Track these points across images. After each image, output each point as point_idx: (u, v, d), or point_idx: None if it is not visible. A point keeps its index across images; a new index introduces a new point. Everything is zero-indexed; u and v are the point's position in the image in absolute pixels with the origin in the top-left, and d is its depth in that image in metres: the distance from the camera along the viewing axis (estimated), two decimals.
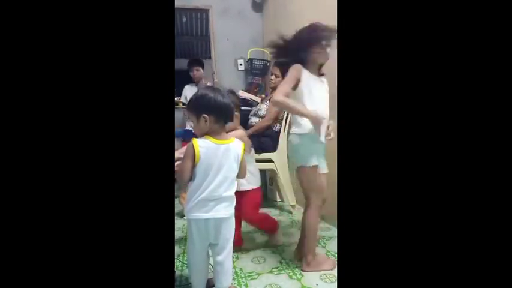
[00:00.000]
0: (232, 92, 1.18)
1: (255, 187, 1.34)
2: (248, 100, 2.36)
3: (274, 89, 1.91)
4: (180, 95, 2.53)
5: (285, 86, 1.12)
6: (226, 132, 0.97)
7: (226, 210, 0.94)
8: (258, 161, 1.96)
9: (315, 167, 1.14)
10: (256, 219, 1.41)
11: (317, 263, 1.19)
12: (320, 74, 1.19)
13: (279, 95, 1.10)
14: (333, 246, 1.43)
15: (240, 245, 1.40)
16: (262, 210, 2.12)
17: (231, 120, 0.97)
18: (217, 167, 0.90)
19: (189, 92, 2.45)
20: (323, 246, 1.44)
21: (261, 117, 2.07)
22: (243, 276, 1.18)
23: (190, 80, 2.49)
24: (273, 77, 2.00)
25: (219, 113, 0.91)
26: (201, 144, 0.89)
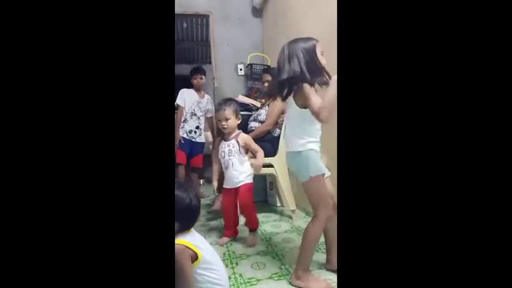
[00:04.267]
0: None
1: (251, 182, 1.63)
2: (248, 105, 2.37)
3: (266, 94, 1.94)
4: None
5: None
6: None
7: None
8: None
9: (323, 175, 1.11)
10: (252, 205, 1.62)
11: (308, 280, 1.11)
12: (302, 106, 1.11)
13: (324, 111, 1.03)
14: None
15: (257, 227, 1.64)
16: (263, 215, 2.13)
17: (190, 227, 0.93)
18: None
19: (186, 95, 2.50)
20: (323, 252, 1.43)
21: (261, 122, 2.07)
22: (242, 282, 1.17)
23: (190, 86, 2.53)
24: (265, 84, 2.05)
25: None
26: (197, 244, 0.86)
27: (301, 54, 1.09)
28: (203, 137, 2.59)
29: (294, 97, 1.10)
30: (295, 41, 1.14)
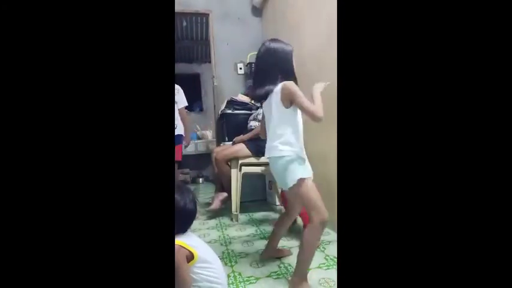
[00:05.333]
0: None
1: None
2: (247, 104, 2.37)
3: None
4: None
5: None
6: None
7: None
8: (257, 165, 1.98)
9: (310, 177, 1.10)
10: None
11: None
12: None
13: (320, 110, 1.02)
14: (332, 251, 1.42)
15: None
16: (262, 214, 2.13)
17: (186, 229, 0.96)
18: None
19: None
20: (322, 251, 1.43)
21: (260, 121, 2.07)
22: (241, 280, 1.18)
23: (189, 85, 2.50)
24: None
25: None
26: (192, 244, 0.88)
27: (280, 55, 1.13)
28: (179, 129, 2.35)
29: (281, 99, 1.08)
30: (275, 40, 1.17)
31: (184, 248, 0.86)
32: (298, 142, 1.11)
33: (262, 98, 1.15)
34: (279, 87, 1.09)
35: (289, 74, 1.12)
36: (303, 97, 1.04)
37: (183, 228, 0.92)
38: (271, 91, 1.11)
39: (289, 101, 1.07)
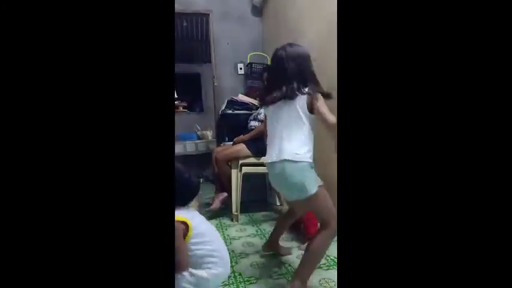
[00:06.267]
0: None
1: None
2: (248, 104, 2.37)
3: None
4: (179, 99, 2.52)
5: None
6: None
7: None
8: (257, 165, 1.97)
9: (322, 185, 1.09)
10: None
11: None
12: None
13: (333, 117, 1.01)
14: (332, 251, 1.42)
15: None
16: (262, 214, 2.13)
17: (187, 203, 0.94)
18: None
19: None
20: None
21: (261, 121, 2.07)
22: (242, 281, 1.17)
23: (189, 85, 2.50)
24: (265, 83, 2.04)
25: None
26: (187, 216, 0.85)
27: (298, 61, 1.10)
28: None
29: (309, 103, 1.08)
30: (291, 45, 1.15)
31: (179, 221, 0.83)
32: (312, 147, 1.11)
33: (276, 100, 1.13)
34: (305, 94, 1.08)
35: (306, 78, 1.11)
36: (325, 107, 1.05)
37: (184, 201, 0.90)
38: (290, 95, 1.09)
39: (312, 106, 1.07)
